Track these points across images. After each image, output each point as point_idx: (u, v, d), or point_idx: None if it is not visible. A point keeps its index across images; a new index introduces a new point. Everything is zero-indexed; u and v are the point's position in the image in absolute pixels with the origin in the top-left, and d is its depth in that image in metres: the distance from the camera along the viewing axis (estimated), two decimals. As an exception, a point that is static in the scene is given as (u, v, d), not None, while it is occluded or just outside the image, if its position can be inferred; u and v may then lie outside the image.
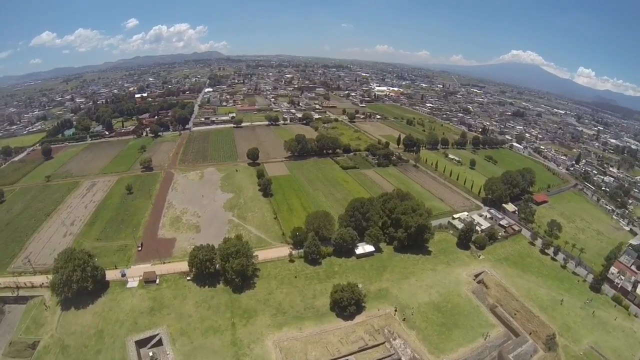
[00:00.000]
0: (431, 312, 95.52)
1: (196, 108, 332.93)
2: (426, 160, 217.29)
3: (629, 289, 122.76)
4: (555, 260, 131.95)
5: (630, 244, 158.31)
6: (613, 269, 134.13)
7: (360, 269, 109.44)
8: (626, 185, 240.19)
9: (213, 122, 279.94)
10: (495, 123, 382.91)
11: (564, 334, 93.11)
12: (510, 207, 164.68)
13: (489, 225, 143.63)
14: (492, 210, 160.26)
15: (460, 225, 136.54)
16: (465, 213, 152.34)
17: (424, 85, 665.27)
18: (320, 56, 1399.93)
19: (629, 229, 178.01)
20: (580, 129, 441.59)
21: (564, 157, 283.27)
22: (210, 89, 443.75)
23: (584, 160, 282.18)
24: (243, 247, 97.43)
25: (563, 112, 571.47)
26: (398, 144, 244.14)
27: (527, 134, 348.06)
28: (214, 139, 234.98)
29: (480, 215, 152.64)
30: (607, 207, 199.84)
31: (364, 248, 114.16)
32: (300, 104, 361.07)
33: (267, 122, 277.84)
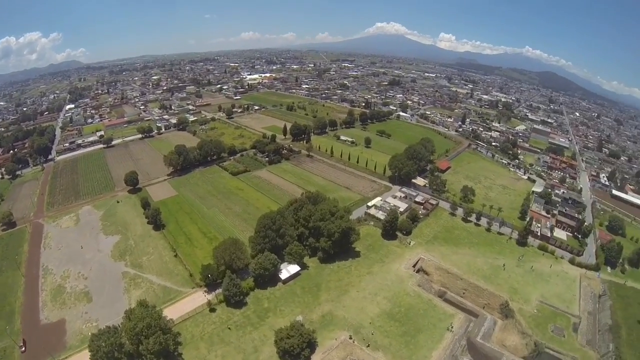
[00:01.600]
0: (388, 324, 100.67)
1: (58, 132, 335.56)
2: (319, 148, 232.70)
3: (549, 234, 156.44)
4: (479, 225, 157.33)
5: (534, 191, 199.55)
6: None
7: (292, 295, 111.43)
8: (510, 137, 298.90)
9: (80, 146, 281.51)
10: (375, 95, 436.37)
11: (514, 298, 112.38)
12: (420, 181, 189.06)
13: (406, 205, 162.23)
14: (403, 189, 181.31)
15: (379, 214, 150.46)
16: (379, 198, 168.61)
17: (295, 66, 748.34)
18: (186, 52, 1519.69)
19: (526, 178, 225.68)
20: (454, 89, 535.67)
21: (450, 119, 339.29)
22: (72, 105, 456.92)
23: (468, 120, 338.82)
24: (153, 317, 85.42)
25: (434, 75, 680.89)
26: (285, 135, 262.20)
27: (409, 102, 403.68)
28: (84, 168, 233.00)
29: (395, 197, 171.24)
30: (503, 161, 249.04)
31: (288, 270, 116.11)
32: (173, 108, 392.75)
33: (140, 135, 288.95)
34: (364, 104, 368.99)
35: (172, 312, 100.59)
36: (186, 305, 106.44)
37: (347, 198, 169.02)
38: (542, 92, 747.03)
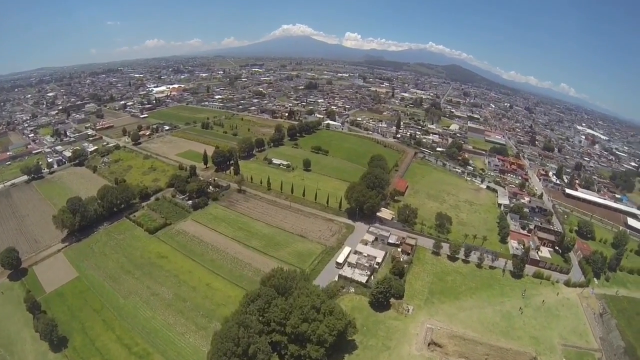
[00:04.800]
0: None
1: None
2: (251, 179, 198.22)
3: (537, 257, 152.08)
4: (468, 262, 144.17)
5: (501, 204, 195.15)
6: (512, 242, 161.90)
7: None
8: (450, 139, 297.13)
9: None
10: (295, 101, 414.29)
11: (539, 349, 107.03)
12: (385, 213, 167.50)
13: (383, 253, 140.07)
14: (371, 229, 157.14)
15: (357, 275, 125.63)
16: (348, 249, 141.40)
17: (203, 75, 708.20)
18: (87, 62, 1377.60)
19: (485, 187, 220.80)
20: (373, 89, 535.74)
21: (383, 125, 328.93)
22: None
23: (402, 123, 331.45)
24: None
25: (347, 75, 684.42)
26: (206, 164, 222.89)
27: (333, 107, 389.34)
28: None
29: (365, 243, 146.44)
30: (456, 169, 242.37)
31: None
32: (69, 134, 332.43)
33: (26, 177, 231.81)
34: (287, 114, 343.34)
35: None
36: None
37: (307, 253, 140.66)
38: (452, 85, 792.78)
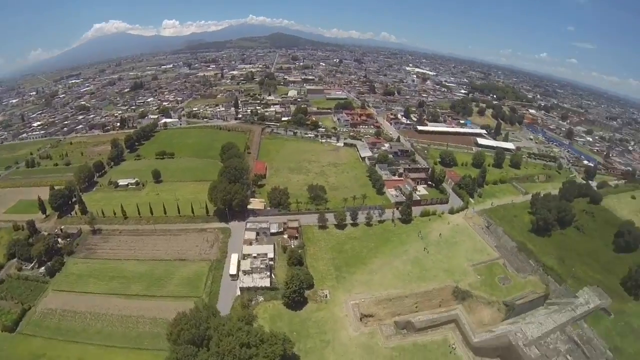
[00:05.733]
0: None
1: None
2: (102, 212, 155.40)
3: (417, 197, 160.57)
4: (357, 224, 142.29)
5: (365, 157, 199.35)
6: (390, 191, 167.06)
7: None
8: (291, 105, 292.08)
9: None
10: (123, 108, 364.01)
11: (455, 278, 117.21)
12: (256, 203, 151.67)
13: (271, 246, 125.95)
14: (249, 225, 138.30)
15: (259, 280, 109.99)
16: (236, 256, 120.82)
17: (13, 101, 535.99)
18: None
19: (342, 145, 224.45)
20: (202, 74, 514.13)
21: (221, 109, 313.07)
22: None
23: (240, 102, 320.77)
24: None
25: (171, 65, 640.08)
26: (44, 212, 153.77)
27: (165, 103, 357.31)
28: None
29: (249, 243, 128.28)
30: (308, 135, 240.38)
31: None
32: None
33: None
34: (119, 124, 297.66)
35: None
36: None
37: (195, 277, 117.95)
38: (279, 52, 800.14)
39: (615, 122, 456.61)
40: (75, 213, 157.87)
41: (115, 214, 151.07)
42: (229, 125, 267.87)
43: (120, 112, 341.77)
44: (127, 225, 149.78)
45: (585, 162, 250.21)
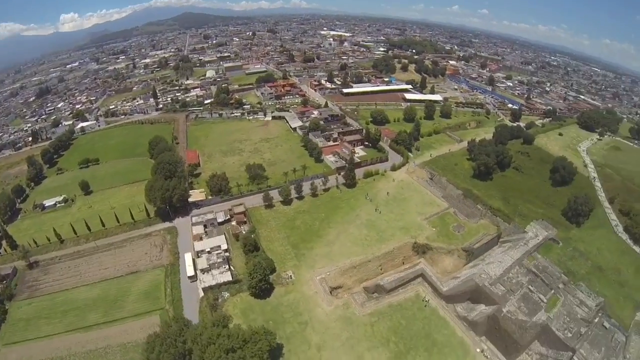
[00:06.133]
0: None
1: None
2: (35, 243, 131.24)
3: (357, 159, 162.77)
4: (303, 197, 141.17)
5: (295, 127, 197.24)
6: (328, 157, 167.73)
7: None
8: (213, 88, 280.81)
9: None
10: (32, 120, 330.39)
11: (412, 234, 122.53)
12: (197, 195, 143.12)
13: (222, 236, 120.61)
14: (194, 219, 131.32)
15: (219, 275, 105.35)
16: (189, 257, 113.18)
17: None
18: None
19: (271, 118, 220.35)
20: (111, 67, 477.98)
21: (139, 102, 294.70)
22: None
23: (159, 92, 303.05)
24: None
25: (77, 63, 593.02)
26: None
27: (78, 106, 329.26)
28: None
29: (200, 239, 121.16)
30: (234, 114, 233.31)
31: None
32: None
33: None
34: (31, 139, 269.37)
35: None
36: None
37: (152, 288, 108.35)
38: (189, 33, 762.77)
39: (530, 67, 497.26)
40: (5, 250, 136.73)
41: (49, 240, 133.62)
42: (151, 118, 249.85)
43: (29, 124, 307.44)
44: (66, 249, 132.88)
45: (510, 105, 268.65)
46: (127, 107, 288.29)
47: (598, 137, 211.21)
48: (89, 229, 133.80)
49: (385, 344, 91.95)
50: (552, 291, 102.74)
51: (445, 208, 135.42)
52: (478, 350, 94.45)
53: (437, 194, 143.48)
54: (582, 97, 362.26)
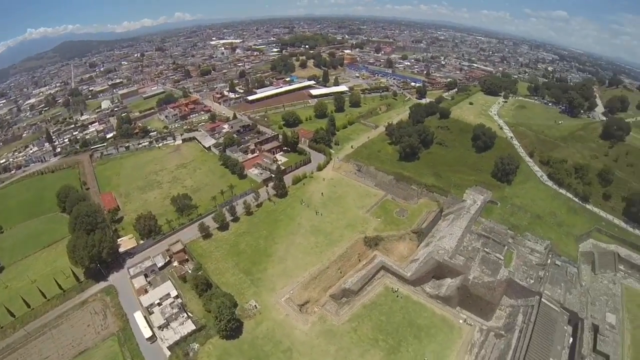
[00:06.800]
0: None
1: None
2: None
3: (281, 167, 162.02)
4: (238, 218, 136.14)
5: (209, 147, 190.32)
6: (252, 171, 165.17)
7: None
8: (111, 120, 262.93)
9: None
10: None
11: (359, 229, 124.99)
12: (126, 242, 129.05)
13: (168, 282, 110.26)
14: (131, 271, 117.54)
15: (178, 330, 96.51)
16: (138, 314, 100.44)
17: None
18: None
19: (182, 142, 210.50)
20: None
21: (34, 149, 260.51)
22: None
23: (52, 134, 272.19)
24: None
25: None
26: None
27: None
28: None
29: (146, 292, 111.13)
30: (142, 144, 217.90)
31: None
32: None
33: None
34: None
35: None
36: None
37: None
38: (72, 63, 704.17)
39: (422, 44, 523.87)
40: None
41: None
42: (51, 166, 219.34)
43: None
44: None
45: (413, 83, 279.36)
46: (21, 158, 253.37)
47: (503, 99, 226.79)
48: (12, 315, 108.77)
49: (375, 344, 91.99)
50: (505, 247, 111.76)
51: (383, 196, 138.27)
52: (460, 321, 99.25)
53: (370, 183, 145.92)
54: (476, 65, 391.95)
